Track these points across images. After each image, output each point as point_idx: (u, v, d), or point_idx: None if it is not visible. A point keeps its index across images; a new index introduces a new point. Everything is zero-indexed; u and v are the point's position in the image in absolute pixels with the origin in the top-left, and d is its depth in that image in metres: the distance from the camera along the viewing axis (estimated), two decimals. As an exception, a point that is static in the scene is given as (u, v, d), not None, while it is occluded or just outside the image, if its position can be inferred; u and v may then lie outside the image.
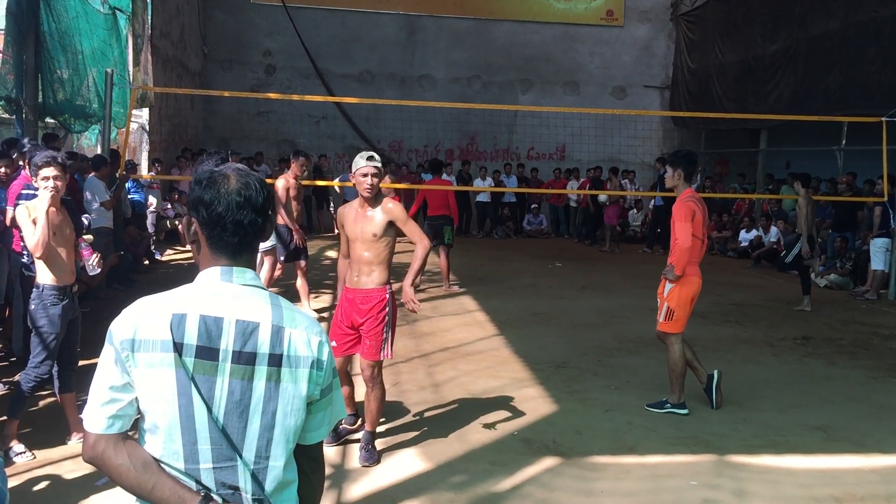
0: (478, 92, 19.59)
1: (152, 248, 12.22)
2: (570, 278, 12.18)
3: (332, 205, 17.65)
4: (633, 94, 20.19)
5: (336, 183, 15.77)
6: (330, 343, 1.85)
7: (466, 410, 5.81)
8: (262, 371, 1.73)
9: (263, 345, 1.73)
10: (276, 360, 1.73)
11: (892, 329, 9.19)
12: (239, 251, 1.79)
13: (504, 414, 5.73)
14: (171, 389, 1.69)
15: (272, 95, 15.77)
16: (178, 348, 1.69)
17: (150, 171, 13.64)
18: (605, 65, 20.10)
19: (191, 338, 1.70)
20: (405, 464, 4.75)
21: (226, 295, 1.75)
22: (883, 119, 11.06)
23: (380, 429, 5.30)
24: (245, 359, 1.71)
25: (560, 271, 13.07)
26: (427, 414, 5.71)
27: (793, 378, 6.91)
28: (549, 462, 4.86)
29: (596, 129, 17.86)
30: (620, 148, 19.09)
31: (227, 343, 1.71)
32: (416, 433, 5.29)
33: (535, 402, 6.03)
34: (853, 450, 5.20)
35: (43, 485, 4.34)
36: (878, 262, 11.21)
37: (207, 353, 1.70)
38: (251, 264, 1.83)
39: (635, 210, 18.17)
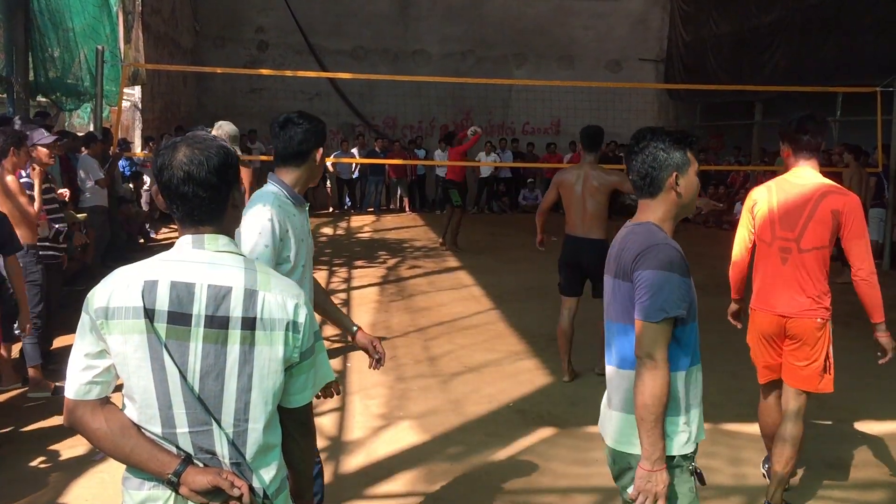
0: (472, 67, 19.46)
1: (147, 226, 12.21)
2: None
3: (328, 182, 17.62)
4: (628, 68, 20.09)
5: (330, 159, 15.74)
6: (309, 307, 1.86)
7: (462, 383, 5.85)
8: (235, 335, 1.75)
9: (236, 308, 1.75)
10: (249, 324, 1.75)
11: (886, 299, 9.21)
12: (198, 220, 1.80)
13: (500, 386, 5.77)
14: (144, 355, 1.73)
15: (265, 72, 15.68)
16: (150, 314, 1.72)
17: (143, 149, 13.58)
18: (600, 38, 19.97)
19: (162, 304, 1.73)
20: (402, 436, 4.79)
21: (198, 261, 1.78)
22: (878, 89, 11.04)
23: (376, 401, 5.34)
24: (218, 323, 1.74)
25: (556, 245, 13.04)
26: (423, 387, 5.74)
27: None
28: (544, 433, 4.90)
29: (590, 104, 17.73)
30: (615, 122, 18.95)
31: (199, 308, 1.73)
32: (413, 406, 5.32)
33: (530, 375, 6.07)
34: (846, 418, 5.25)
35: (38, 461, 4.37)
36: (873, 233, 11.22)
37: (179, 318, 1.73)
38: (224, 231, 1.84)
39: (631, 184, 18.16)
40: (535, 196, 18.56)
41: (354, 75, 14.63)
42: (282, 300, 1.79)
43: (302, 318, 1.82)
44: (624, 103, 18.73)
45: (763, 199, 3.82)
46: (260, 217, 2.75)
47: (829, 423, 5.17)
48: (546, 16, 19.75)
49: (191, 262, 1.78)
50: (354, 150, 17.53)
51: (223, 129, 6.38)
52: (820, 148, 3.76)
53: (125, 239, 10.65)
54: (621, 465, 2.45)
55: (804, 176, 3.72)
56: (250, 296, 1.76)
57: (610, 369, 2.53)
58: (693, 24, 18.68)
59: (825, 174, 3.81)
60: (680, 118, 20.36)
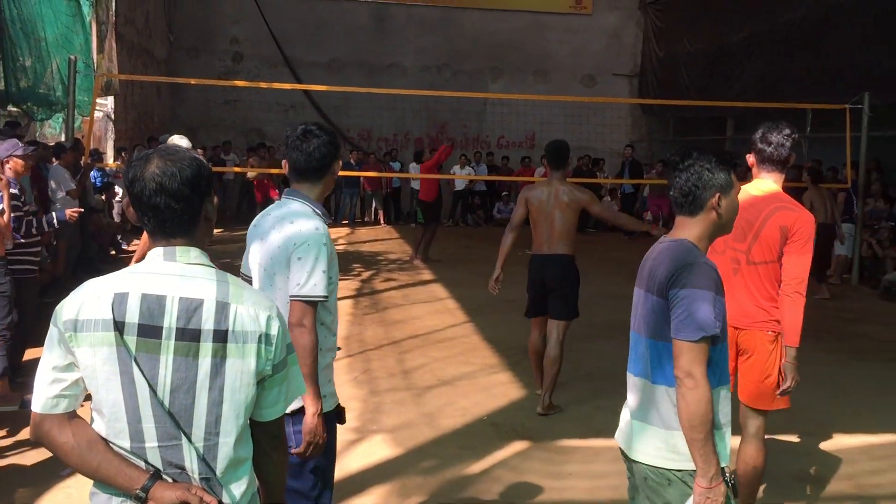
0: (447, 80, 19.53)
1: (118, 237, 12.08)
2: (581, 259, 12.21)
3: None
4: (602, 83, 20.25)
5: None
6: (282, 319, 1.85)
7: (436, 396, 5.84)
8: (207, 347, 1.73)
9: (208, 321, 1.73)
10: (220, 336, 1.74)
11: (854, 313, 9.36)
12: (170, 233, 1.79)
13: (474, 399, 5.77)
14: (113, 368, 1.71)
15: (239, 83, 15.62)
16: (119, 327, 1.71)
17: (116, 159, 13.45)
18: (575, 53, 20.13)
19: (132, 316, 1.71)
20: (375, 449, 4.77)
21: (169, 273, 1.77)
22: (847, 106, 11.23)
23: (349, 415, 5.30)
24: (189, 335, 1.72)
25: (526, 259, 13.10)
26: (397, 400, 5.73)
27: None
28: (518, 446, 4.90)
29: (565, 118, 17.88)
30: (589, 136, 19.16)
31: (170, 320, 1.72)
32: (387, 419, 5.30)
33: (504, 388, 6.08)
34: (816, 431, 5.30)
35: (4, 475, 4.29)
36: (841, 248, 11.40)
37: (150, 331, 1.72)
38: (196, 243, 1.83)
39: (608, 198, 18.27)
40: (510, 209, 18.61)
41: (329, 87, 14.59)
42: (254, 312, 1.78)
43: (275, 331, 1.81)
44: (598, 117, 18.89)
45: None
46: (320, 242, 2.69)
47: (797, 436, 5.22)
48: (521, 30, 19.88)
49: (162, 274, 1.76)
50: (329, 163, 17.46)
51: (174, 142, 6.36)
52: (786, 161, 3.66)
53: (96, 250, 10.53)
54: (657, 480, 2.44)
55: (762, 188, 3.65)
56: (222, 308, 1.75)
57: (638, 381, 2.52)
58: (666, 40, 18.90)
59: (790, 190, 3.79)
60: (653, 133, 20.57)
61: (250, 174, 15.01)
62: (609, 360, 6.85)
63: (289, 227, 2.71)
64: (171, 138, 6.43)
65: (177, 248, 1.79)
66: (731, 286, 3.51)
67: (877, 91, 11.07)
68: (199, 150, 12.62)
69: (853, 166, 11.49)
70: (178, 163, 1.77)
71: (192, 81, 14.77)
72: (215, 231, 13.94)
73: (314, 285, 2.66)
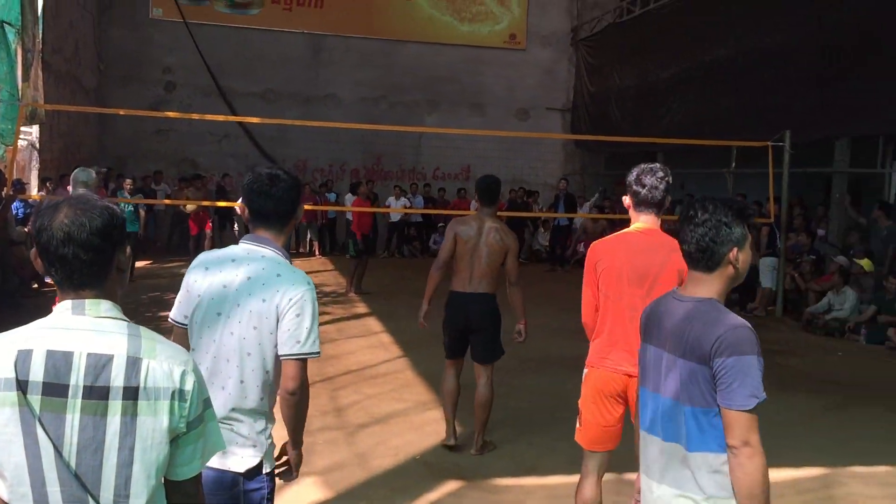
0: (384, 112, 19.59)
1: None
2: (504, 302, 12.26)
3: (236, 226, 17.30)
4: (536, 116, 20.59)
5: (238, 204, 15.49)
6: (197, 373, 1.78)
7: (369, 435, 5.77)
8: (116, 405, 1.66)
9: (117, 378, 1.67)
10: (131, 394, 1.67)
11: (780, 345, 9.61)
12: (79, 285, 1.72)
13: (407, 438, 5.72)
14: (16, 430, 1.63)
15: (170, 114, 15.37)
16: (23, 386, 1.63)
17: (40, 190, 13.07)
18: (509, 87, 20.44)
19: (36, 375, 1.64)
20: (306, 493, 4.67)
21: (77, 328, 1.70)
22: (769, 143, 11.62)
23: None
24: (97, 394, 1.65)
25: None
26: (329, 440, 5.64)
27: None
28: (451, 486, 4.86)
29: (499, 151, 18.14)
30: (524, 169, 19.45)
31: (77, 378, 1.65)
32: (318, 460, 5.21)
33: (437, 426, 6.02)
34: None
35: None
36: (766, 280, 11.74)
37: (55, 389, 1.64)
38: (107, 295, 1.76)
39: (542, 229, 18.50)
40: (446, 241, 18.70)
41: (263, 120, 14.48)
42: (168, 367, 1.72)
43: (189, 386, 1.74)
44: (533, 151, 19.21)
45: (608, 255, 3.63)
46: (314, 297, 2.62)
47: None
48: (457, 64, 20.11)
49: (70, 329, 1.70)
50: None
51: (74, 175, 6.27)
52: (661, 203, 3.58)
53: (17, 283, 10.18)
54: None
55: (648, 231, 3.58)
56: (133, 364, 1.68)
57: (669, 447, 2.42)
58: (598, 75, 19.35)
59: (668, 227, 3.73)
60: (586, 166, 20.96)
61: (189, 207, 14.74)
62: (539, 396, 6.90)
63: (277, 280, 2.58)
64: (74, 172, 6.30)
65: (86, 300, 1.73)
66: (628, 333, 3.49)
67: (797, 129, 11.50)
68: (101, 170, 12.38)
69: (776, 201, 11.87)
70: (88, 212, 1.71)
71: (121, 112, 14.48)
72: (145, 263, 13.62)
73: (313, 342, 2.59)
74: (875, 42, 10.18)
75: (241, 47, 18.75)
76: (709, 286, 2.38)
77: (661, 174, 3.57)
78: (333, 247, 17.98)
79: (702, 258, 2.37)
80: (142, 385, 1.68)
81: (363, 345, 8.78)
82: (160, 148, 18.32)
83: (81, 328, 1.70)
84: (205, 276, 2.66)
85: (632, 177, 3.61)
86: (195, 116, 15.33)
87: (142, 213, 13.19)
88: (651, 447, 2.49)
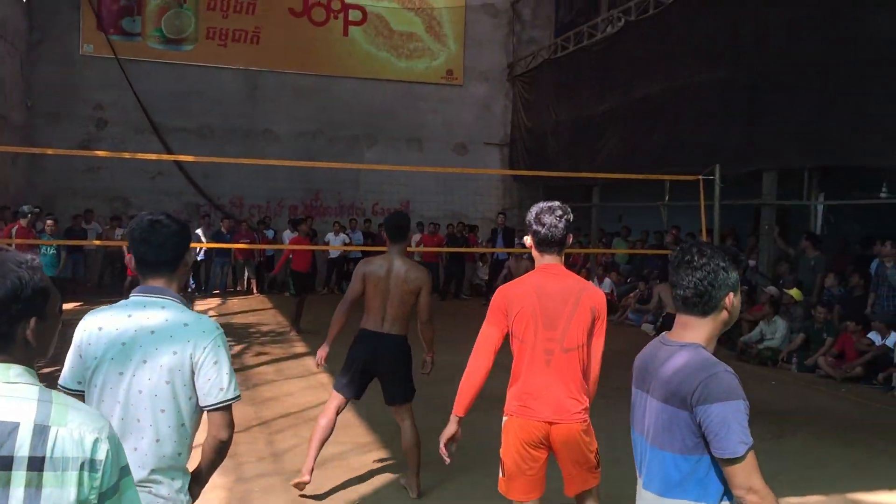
0: (322, 147, 19.52)
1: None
2: (416, 334, 12.21)
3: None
4: (474, 151, 20.77)
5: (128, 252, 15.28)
6: (114, 440, 1.70)
7: (307, 481, 5.64)
8: (20, 476, 1.58)
9: (22, 447, 1.58)
10: (36, 464, 1.59)
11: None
12: None
13: (345, 483, 5.61)
14: None
15: (101, 153, 15.03)
16: None
17: (-37, 232, 12.62)
18: (447, 122, 20.61)
19: None
20: (240, 544, 4.53)
21: None
22: (700, 177, 11.88)
23: (214, 507, 5.05)
24: (0, 464, 1.57)
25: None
26: (266, 487, 5.50)
27: (628, 429, 7.14)
28: (391, 531, 4.78)
29: (438, 185, 18.23)
30: (463, 203, 19.55)
31: None
32: (253, 509, 5.07)
33: (376, 468, 5.95)
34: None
35: None
36: (701, 311, 11.94)
37: None
38: (17, 359, 1.68)
39: (481, 263, 18.58)
40: (386, 276, 18.65)
41: (198, 158, 14.34)
42: (78, 436, 1.64)
43: (101, 455, 1.66)
44: (471, 185, 19.35)
45: (519, 298, 3.49)
46: (225, 339, 2.57)
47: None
48: (395, 99, 20.21)
49: None
50: (199, 231, 17.02)
51: None
52: (562, 241, 3.53)
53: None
54: None
55: (555, 272, 3.53)
56: (40, 432, 1.60)
57: (650, 497, 2.42)
58: (534, 110, 19.64)
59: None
60: (524, 200, 21.14)
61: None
62: (488, 434, 6.84)
63: (185, 330, 2.49)
64: None
65: None
66: (544, 379, 3.45)
67: (726, 163, 11.79)
68: (35, 210, 12.07)
69: (708, 233, 12.12)
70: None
71: (49, 151, 14.10)
72: (74, 305, 13.23)
73: (236, 386, 2.55)
74: (799, 77, 10.55)
75: (175, 83, 18.51)
76: (699, 331, 2.38)
77: (559, 212, 3.52)
78: (272, 285, 17.74)
79: (699, 302, 2.36)
80: (48, 455, 1.60)
81: (302, 385, 8.63)
82: (91, 186, 17.90)
83: None
84: (99, 337, 2.53)
85: (531, 216, 3.55)
86: (126, 155, 14.99)
87: (63, 254, 13.19)
88: (642, 492, 2.49)
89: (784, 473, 6.04)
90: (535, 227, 3.52)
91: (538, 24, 21.23)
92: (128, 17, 18.20)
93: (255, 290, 17.38)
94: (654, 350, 2.49)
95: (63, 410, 1.65)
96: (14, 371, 1.67)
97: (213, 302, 15.85)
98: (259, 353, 10.38)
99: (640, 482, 2.50)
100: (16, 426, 1.59)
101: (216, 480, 5.41)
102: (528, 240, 3.59)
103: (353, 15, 19.95)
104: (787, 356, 10.41)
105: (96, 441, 1.66)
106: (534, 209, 3.55)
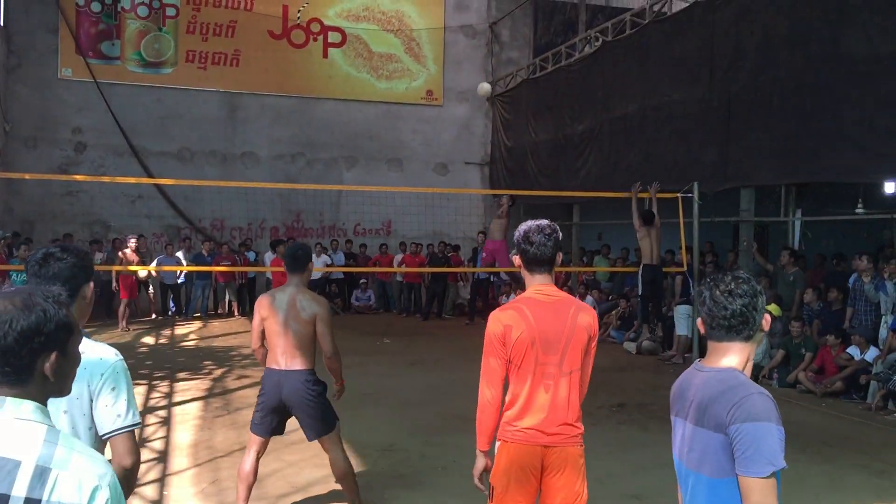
0: (302, 169, 19.53)
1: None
2: (399, 355, 12.21)
3: (150, 287, 16.87)
4: (455, 171, 20.84)
5: (152, 268, 15.28)
6: (115, 489, 1.66)
7: (290, 506, 5.60)
8: None
9: (20, 487, 1.56)
10: None
11: (697, 391, 9.79)
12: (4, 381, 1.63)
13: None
14: None
15: (79, 177, 14.98)
16: None
17: (-60, 257, 12.49)
18: (427, 142, 20.69)
19: None
20: (222, 572, 4.49)
21: None
22: (679, 195, 12.01)
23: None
24: None
25: (388, 348, 13.08)
26: (247, 513, 5.44)
27: (610, 446, 7.18)
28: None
29: (419, 205, 18.26)
30: (444, 222, 19.58)
31: None
32: (235, 536, 5.02)
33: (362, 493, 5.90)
34: (666, 515, 5.44)
35: None
36: (682, 328, 12.01)
37: None
38: (31, 396, 1.66)
39: (462, 282, 18.60)
40: (368, 297, 18.63)
41: (178, 181, 14.29)
42: (78, 482, 1.60)
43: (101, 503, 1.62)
44: (452, 204, 19.39)
45: (518, 324, 3.34)
46: (126, 368, 2.55)
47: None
48: (375, 120, 20.27)
49: None
50: (180, 254, 16.95)
51: None
52: (552, 260, 3.43)
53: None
54: None
55: (549, 292, 3.42)
56: (40, 474, 1.57)
57: None
58: (514, 130, 19.74)
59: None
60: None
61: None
62: (464, 453, 6.82)
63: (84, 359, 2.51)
64: None
65: (7, 398, 1.63)
66: (542, 403, 3.35)
67: (704, 180, 11.94)
68: (6, 236, 11.94)
69: (688, 250, 12.23)
70: (16, 310, 1.64)
71: (27, 176, 14.04)
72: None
73: (135, 412, 2.53)
74: (775, 95, 10.68)
75: (154, 106, 18.48)
76: (737, 355, 2.41)
77: (548, 231, 3.44)
78: (252, 307, 17.61)
79: (743, 328, 2.39)
80: (45, 498, 1.57)
81: (284, 409, 8.57)
82: (70, 210, 17.77)
83: None
84: None
85: (519, 235, 3.46)
86: (106, 179, 14.97)
87: None
88: None
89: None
90: (523, 245, 3.43)
91: (516, 45, 21.41)
92: (107, 41, 18.16)
93: (236, 313, 17.28)
94: (689, 377, 2.51)
95: (67, 454, 1.62)
96: (26, 407, 1.65)
97: (194, 325, 15.75)
98: (241, 377, 10.31)
99: None
100: (17, 464, 1.57)
101: (198, 507, 5.37)
102: (516, 259, 3.50)
103: (333, 37, 20.03)
104: (768, 372, 10.47)
105: (95, 489, 1.62)
106: (522, 228, 3.48)
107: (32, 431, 1.62)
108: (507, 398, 3.44)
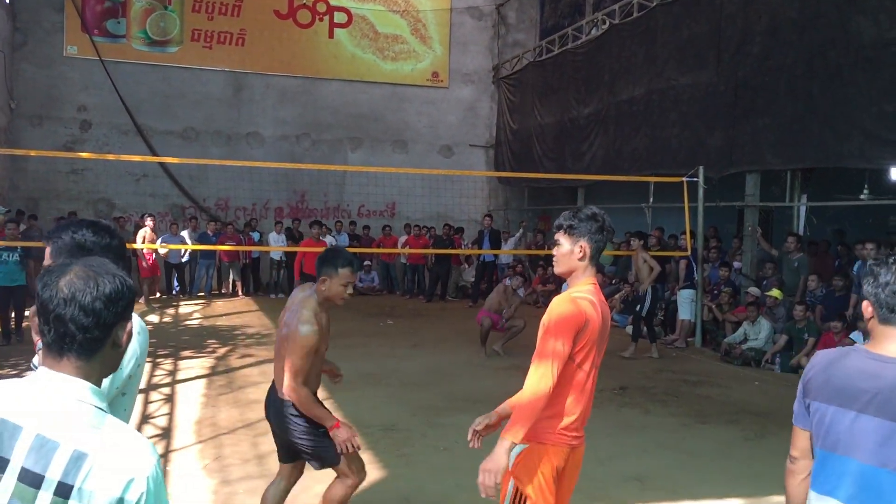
0: (307, 150, 19.52)
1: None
2: (402, 336, 12.24)
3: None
4: (460, 153, 20.82)
5: (160, 245, 15.31)
6: (154, 481, 1.60)
7: (292, 483, 5.63)
8: (45, 499, 1.52)
9: (56, 470, 1.52)
10: (64, 491, 1.52)
11: (698, 376, 9.84)
12: (67, 350, 1.61)
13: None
14: None
15: (84, 155, 14.97)
16: None
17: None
18: (432, 124, 20.65)
19: None
20: (225, 546, 4.53)
21: (37, 402, 1.57)
22: (684, 179, 11.99)
23: (199, 509, 5.03)
24: (30, 479, 1.52)
25: (391, 329, 13.12)
26: (250, 489, 5.49)
27: (611, 429, 7.21)
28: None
29: (424, 187, 18.25)
30: (449, 205, 19.59)
31: (19, 455, 1.52)
32: (238, 511, 5.07)
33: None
34: (667, 497, 5.47)
35: None
36: (685, 312, 12.02)
37: None
38: (88, 374, 1.63)
39: (466, 265, 18.61)
40: (372, 278, 18.65)
41: (183, 160, 14.28)
42: (112, 472, 1.55)
43: (134, 496, 1.56)
44: (456, 187, 19.38)
45: (593, 317, 3.06)
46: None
47: (650, 504, 5.36)
48: (380, 102, 20.23)
49: (31, 401, 1.58)
50: (185, 233, 16.97)
51: None
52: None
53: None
54: None
55: (597, 285, 3.23)
56: (77, 459, 1.53)
57: None
58: (519, 113, 19.70)
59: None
60: (509, 201, 21.25)
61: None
62: (466, 433, 6.87)
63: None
64: None
65: (62, 375, 1.61)
66: (588, 399, 3.16)
67: (709, 165, 11.91)
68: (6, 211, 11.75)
69: (692, 234, 12.21)
70: (99, 276, 1.63)
71: (32, 153, 14.04)
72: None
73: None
74: (782, 80, 10.64)
75: (160, 85, 18.46)
76: None
77: (584, 217, 3.23)
78: (257, 287, 17.70)
79: None
80: (77, 485, 1.53)
81: (287, 387, 8.61)
82: (75, 188, 17.81)
83: (41, 404, 1.58)
84: None
85: (594, 225, 3.20)
86: (111, 157, 14.96)
87: (31, 263, 11.24)
88: None
89: (768, 473, 6.10)
90: (598, 236, 3.18)
91: (523, 27, 21.32)
92: (112, 19, 18.12)
93: (239, 293, 17.32)
94: (854, 362, 2.36)
95: (109, 440, 1.59)
96: (78, 386, 1.61)
97: (198, 304, 15.79)
98: (244, 356, 10.36)
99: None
100: (56, 446, 1.54)
101: (201, 482, 5.42)
102: (579, 248, 3.15)
103: (339, 17, 19.96)
104: (770, 357, 10.48)
105: (131, 482, 1.57)
106: (599, 214, 3.22)
107: (79, 413, 1.59)
108: (563, 399, 3.08)
